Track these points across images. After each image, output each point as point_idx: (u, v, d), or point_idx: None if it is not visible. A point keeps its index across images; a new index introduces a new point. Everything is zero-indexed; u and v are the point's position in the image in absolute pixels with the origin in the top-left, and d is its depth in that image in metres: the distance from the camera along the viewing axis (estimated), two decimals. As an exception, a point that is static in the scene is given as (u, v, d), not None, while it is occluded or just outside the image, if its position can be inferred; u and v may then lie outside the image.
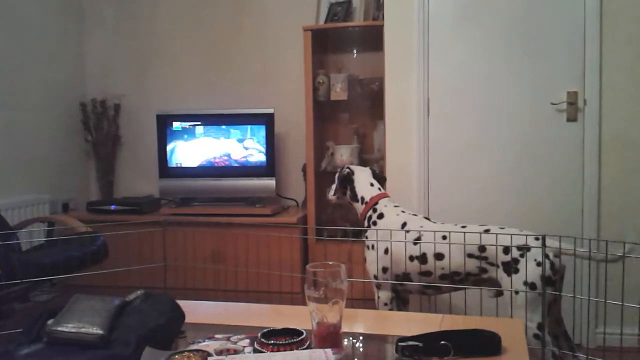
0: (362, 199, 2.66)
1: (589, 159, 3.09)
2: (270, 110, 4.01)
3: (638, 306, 2.07)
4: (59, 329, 1.23)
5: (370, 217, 2.61)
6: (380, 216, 2.57)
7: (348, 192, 2.72)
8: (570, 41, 3.10)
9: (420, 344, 1.26)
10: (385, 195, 2.66)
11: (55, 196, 4.14)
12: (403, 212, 2.57)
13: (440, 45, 3.26)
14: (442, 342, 1.27)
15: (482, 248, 2.28)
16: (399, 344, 1.28)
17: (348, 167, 2.76)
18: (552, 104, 3.13)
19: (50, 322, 1.26)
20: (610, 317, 2.36)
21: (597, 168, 3.08)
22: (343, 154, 3.85)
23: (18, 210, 3.67)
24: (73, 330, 1.22)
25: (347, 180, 2.71)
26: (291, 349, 1.23)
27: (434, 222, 2.50)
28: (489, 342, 1.32)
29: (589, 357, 2.36)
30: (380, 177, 2.79)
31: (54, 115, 4.25)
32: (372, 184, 2.69)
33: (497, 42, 3.21)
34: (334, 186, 2.78)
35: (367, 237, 2.59)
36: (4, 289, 2.52)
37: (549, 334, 2.19)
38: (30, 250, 3.20)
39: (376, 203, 2.61)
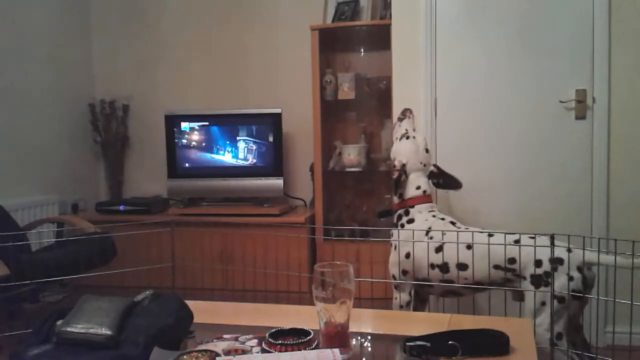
0: (401, 194, 2.58)
1: (598, 157, 3.08)
2: (278, 110, 4.02)
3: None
4: (68, 329, 1.23)
5: (400, 216, 2.55)
6: (411, 221, 2.51)
7: (393, 181, 2.59)
8: (579, 39, 3.08)
9: (428, 344, 1.26)
10: (425, 200, 2.56)
11: (65, 197, 4.16)
12: (434, 216, 2.50)
13: (447, 44, 3.25)
14: (450, 342, 1.26)
15: (512, 260, 2.21)
16: (407, 343, 1.27)
17: (404, 170, 2.58)
18: (561, 102, 3.12)
19: (59, 322, 1.26)
20: (620, 316, 2.35)
21: (606, 166, 3.07)
22: (351, 153, 3.85)
23: (27, 210, 3.69)
24: (82, 330, 1.23)
25: (401, 174, 2.57)
26: (299, 349, 1.23)
27: (459, 227, 2.43)
28: (497, 342, 1.31)
29: (598, 357, 2.34)
30: (438, 174, 2.65)
31: (63, 117, 4.27)
32: (418, 187, 2.56)
33: (504, 41, 3.20)
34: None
35: (392, 235, 2.55)
36: (14, 290, 2.54)
37: (567, 341, 2.16)
38: (39, 250, 3.21)
39: (412, 206, 2.54)
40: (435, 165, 2.69)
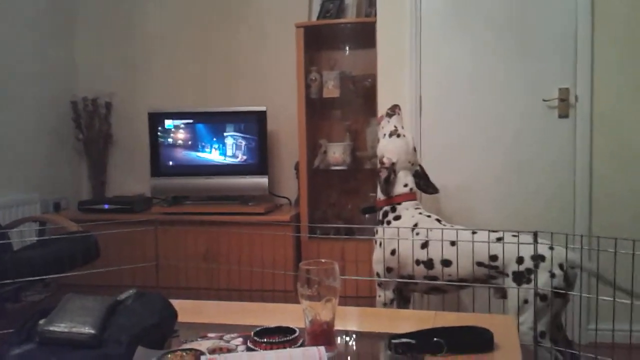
0: (389, 193, 2.56)
1: (581, 154, 3.10)
2: (263, 108, 4.01)
3: (629, 302, 2.08)
4: (51, 328, 1.22)
5: (386, 213, 2.55)
6: (397, 218, 2.51)
7: (381, 179, 2.57)
8: (562, 38, 3.11)
9: (413, 341, 1.26)
10: (412, 198, 2.57)
11: (47, 195, 4.12)
12: (420, 213, 2.51)
13: (432, 42, 3.26)
14: (435, 339, 1.27)
15: (494, 257, 2.22)
16: (392, 341, 1.28)
17: (393, 169, 2.58)
18: (544, 100, 3.14)
19: (42, 321, 1.25)
20: (602, 313, 2.37)
21: (588, 164, 3.10)
22: (336, 151, 3.85)
23: (9, 209, 3.65)
24: (65, 330, 1.21)
25: (390, 172, 2.56)
26: (284, 347, 1.23)
27: (445, 225, 2.44)
28: (482, 338, 1.32)
29: (581, 354, 2.36)
30: (421, 175, 2.68)
31: (44, 114, 4.22)
32: (406, 185, 2.57)
33: (489, 40, 3.21)
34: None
35: (376, 232, 2.55)
36: (-4, 289, 2.51)
37: (549, 340, 2.17)
38: (21, 250, 3.18)
39: (399, 203, 2.54)
40: (420, 166, 2.71)
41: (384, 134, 2.68)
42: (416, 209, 2.54)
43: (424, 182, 2.70)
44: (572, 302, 2.64)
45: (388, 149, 2.63)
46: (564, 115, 3.13)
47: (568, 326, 2.38)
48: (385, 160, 2.59)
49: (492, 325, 1.37)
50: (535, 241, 2.10)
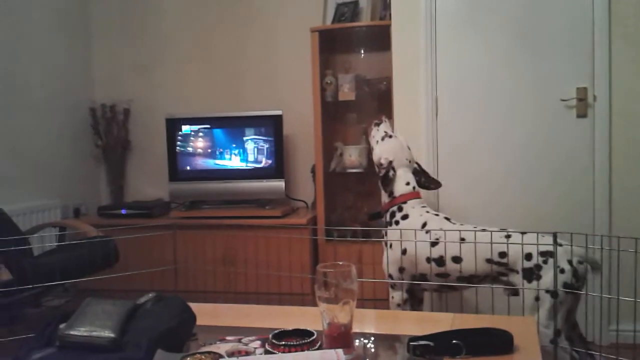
0: (391, 192, 2.60)
1: (600, 154, 3.07)
2: (279, 112, 4.02)
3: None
4: (71, 332, 1.23)
5: (393, 214, 2.56)
6: (405, 217, 2.53)
7: (381, 179, 2.62)
8: (579, 37, 3.08)
9: (432, 344, 1.26)
10: (416, 196, 2.59)
11: (66, 201, 4.16)
12: (427, 212, 2.53)
13: (447, 44, 3.25)
14: (454, 341, 1.26)
15: (502, 254, 2.23)
16: (411, 343, 1.27)
17: (392, 166, 2.62)
18: (562, 100, 3.12)
19: (62, 326, 1.26)
20: (623, 314, 2.35)
21: (607, 164, 3.06)
22: (352, 154, 3.85)
23: (30, 215, 3.70)
24: (85, 334, 1.23)
25: (389, 171, 2.60)
26: (302, 350, 1.23)
27: (454, 223, 2.46)
28: (501, 340, 1.31)
29: (602, 355, 2.34)
30: (420, 172, 2.71)
31: (63, 121, 4.28)
32: (408, 183, 2.60)
33: (504, 40, 3.20)
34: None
35: (385, 234, 2.55)
36: (16, 294, 2.54)
37: (564, 338, 2.16)
38: (41, 255, 3.21)
39: (405, 202, 2.56)
40: (417, 163, 2.73)
41: (377, 141, 2.74)
42: (422, 207, 2.56)
43: (425, 179, 2.73)
44: (592, 302, 2.62)
45: (383, 149, 2.68)
46: (582, 114, 3.10)
47: (589, 327, 2.35)
48: (382, 160, 2.64)
49: (511, 326, 1.36)
50: (555, 242, 2.09)
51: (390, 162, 2.62)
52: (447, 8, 3.24)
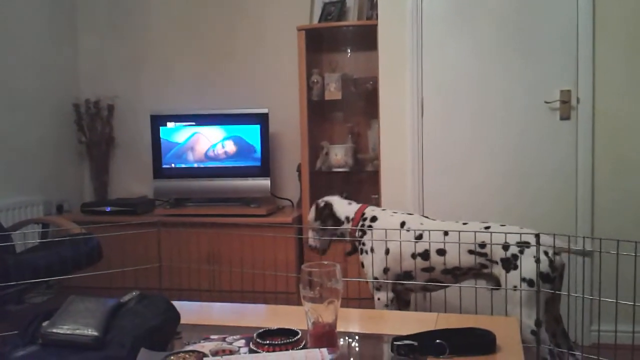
0: (348, 217, 2.65)
1: (583, 156, 3.10)
2: (265, 110, 4.01)
3: (632, 303, 2.07)
4: (54, 330, 1.22)
5: (362, 224, 2.60)
6: (374, 219, 2.56)
7: (330, 223, 2.69)
8: (564, 40, 3.11)
9: (416, 343, 1.26)
10: (367, 206, 2.67)
11: (50, 198, 4.13)
12: (395, 212, 2.57)
13: (433, 44, 3.27)
14: (438, 340, 1.27)
15: (482, 245, 2.28)
16: (395, 343, 1.28)
17: (323, 201, 2.74)
18: (546, 102, 3.14)
19: (45, 323, 1.25)
20: (605, 314, 2.37)
21: (590, 166, 3.09)
22: (338, 153, 3.85)
23: (12, 211, 3.66)
24: (68, 332, 1.22)
25: (328, 208, 2.68)
26: (287, 349, 1.23)
27: (433, 220, 2.51)
28: (484, 340, 1.32)
29: (584, 355, 2.36)
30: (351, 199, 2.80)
31: (47, 117, 4.24)
32: (350, 203, 2.69)
33: (490, 41, 3.22)
34: (311, 233, 2.75)
35: (364, 244, 2.58)
36: (-2, 291, 2.51)
37: (546, 332, 2.20)
38: (24, 252, 3.18)
39: (363, 213, 2.62)
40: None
41: (313, 218, 2.76)
42: (383, 210, 2.61)
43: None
44: (574, 303, 2.64)
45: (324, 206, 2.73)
46: (565, 117, 3.13)
47: (570, 327, 2.37)
48: (321, 205, 2.72)
49: (494, 326, 1.37)
50: (538, 243, 2.12)
51: (326, 203, 2.71)
52: (433, 9, 3.26)
